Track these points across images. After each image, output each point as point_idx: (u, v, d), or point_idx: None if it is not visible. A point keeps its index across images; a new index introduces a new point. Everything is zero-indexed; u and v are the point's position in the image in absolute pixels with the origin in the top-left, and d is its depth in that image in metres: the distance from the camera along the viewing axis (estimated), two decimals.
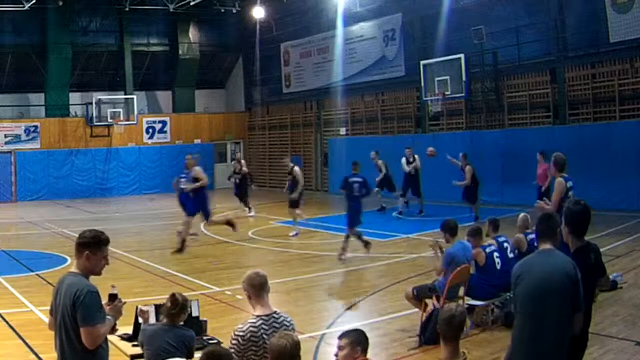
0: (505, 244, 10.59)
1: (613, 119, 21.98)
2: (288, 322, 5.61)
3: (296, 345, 4.80)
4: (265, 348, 5.38)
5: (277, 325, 5.51)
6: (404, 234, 19.06)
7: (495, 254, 9.96)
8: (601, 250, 14.52)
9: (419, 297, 9.72)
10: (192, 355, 6.28)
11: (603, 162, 21.31)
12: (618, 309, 10.34)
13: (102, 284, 14.46)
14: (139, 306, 7.25)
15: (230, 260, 16.67)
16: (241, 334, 5.44)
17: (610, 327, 9.41)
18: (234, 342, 5.43)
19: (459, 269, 9.28)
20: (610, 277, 11.90)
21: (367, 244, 15.86)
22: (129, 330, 7.20)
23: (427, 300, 9.69)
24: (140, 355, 6.58)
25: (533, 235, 10.50)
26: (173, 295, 6.46)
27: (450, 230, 9.84)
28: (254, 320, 5.51)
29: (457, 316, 5.35)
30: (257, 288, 5.60)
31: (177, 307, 6.37)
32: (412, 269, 14.28)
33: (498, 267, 9.91)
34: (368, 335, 10.05)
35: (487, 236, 10.72)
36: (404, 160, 23.18)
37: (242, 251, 17.95)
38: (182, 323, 6.48)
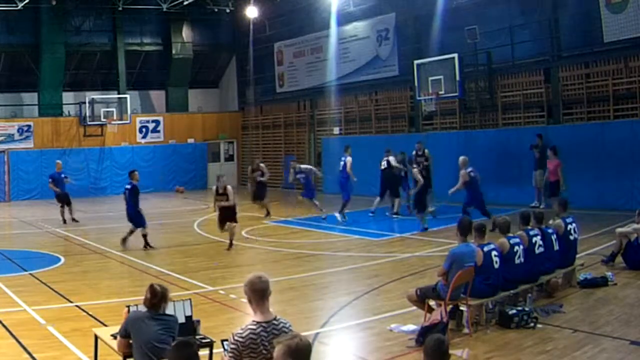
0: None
1: (607, 119, 22.01)
2: (287, 328, 5.58)
3: (309, 343, 4.71)
4: (263, 354, 5.42)
5: (276, 332, 5.48)
6: (397, 233, 19.04)
7: (494, 252, 9.90)
8: (594, 249, 14.62)
9: (422, 298, 9.64)
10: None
11: (597, 162, 21.37)
12: (612, 308, 10.35)
13: (98, 284, 14.44)
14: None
15: (224, 260, 16.62)
16: (240, 340, 5.42)
17: (605, 326, 9.41)
18: (232, 346, 5.42)
19: (460, 272, 9.18)
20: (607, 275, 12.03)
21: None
22: None
23: (431, 303, 9.64)
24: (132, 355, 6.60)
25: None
26: (152, 286, 6.69)
27: (459, 228, 9.76)
28: (254, 327, 5.48)
29: (445, 342, 5.30)
30: (259, 294, 5.55)
31: (157, 296, 6.60)
32: (406, 268, 14.28)
33: (496, 266, 9.83)
34: (362, 334, 10.08)
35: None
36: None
37: (236, 250, 17.88)
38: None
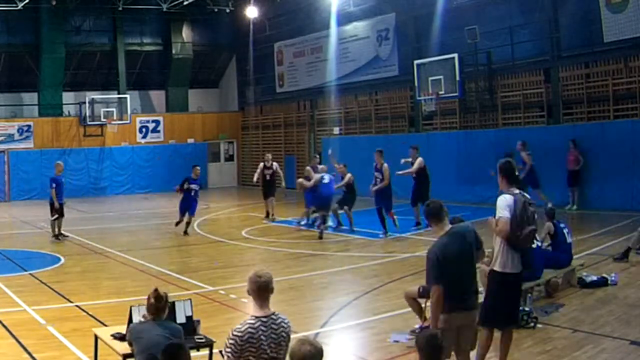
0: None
1: (607, 119, 22.01)
2: (286, 323, 5.57)
3: (320, 352, 4.76)
4: (263, 349, 5.36)
5: (274, 327, 5.46)
6: (397, 233, 19.01)
7: None
8: (595, 249, 14.60)
9: (424, 294, 9.62)
10: None
11: (597, 162, 21.35)
12: (612, 308, 10.35)
13: (98, 284, 14.41)
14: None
15: (224, 260, 16.62)
16: (239, 334, 5.39)
17: (605, 326, 9.41)
18: (231, 342, 5.39)
19: None
20: (609, 277, 12.01)
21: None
22: (123, 329, 7.15)
23: (428, 304, 9.60)
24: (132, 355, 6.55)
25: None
26: (156, 290, 6.61)
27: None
28: (252, 322, 5.46)
29: (437, 337, 5.35)
30: (261, 289, 5.55)
31: (162, 300, 6.54)
32: (406, 268, 14.26)
33: None
34: (362, 334, 10.06)
35: None
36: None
37: (236, 250, 17.91)
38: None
